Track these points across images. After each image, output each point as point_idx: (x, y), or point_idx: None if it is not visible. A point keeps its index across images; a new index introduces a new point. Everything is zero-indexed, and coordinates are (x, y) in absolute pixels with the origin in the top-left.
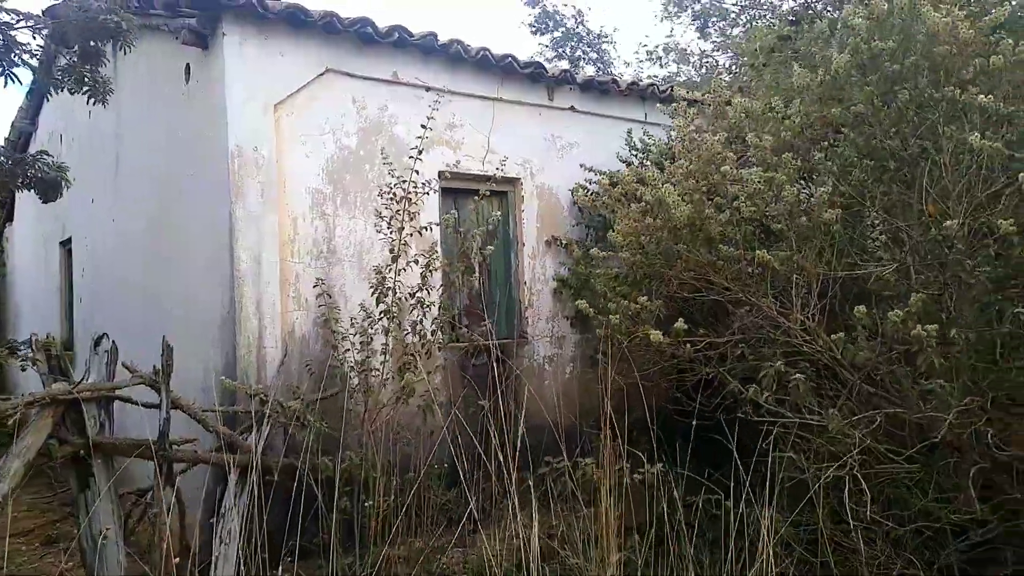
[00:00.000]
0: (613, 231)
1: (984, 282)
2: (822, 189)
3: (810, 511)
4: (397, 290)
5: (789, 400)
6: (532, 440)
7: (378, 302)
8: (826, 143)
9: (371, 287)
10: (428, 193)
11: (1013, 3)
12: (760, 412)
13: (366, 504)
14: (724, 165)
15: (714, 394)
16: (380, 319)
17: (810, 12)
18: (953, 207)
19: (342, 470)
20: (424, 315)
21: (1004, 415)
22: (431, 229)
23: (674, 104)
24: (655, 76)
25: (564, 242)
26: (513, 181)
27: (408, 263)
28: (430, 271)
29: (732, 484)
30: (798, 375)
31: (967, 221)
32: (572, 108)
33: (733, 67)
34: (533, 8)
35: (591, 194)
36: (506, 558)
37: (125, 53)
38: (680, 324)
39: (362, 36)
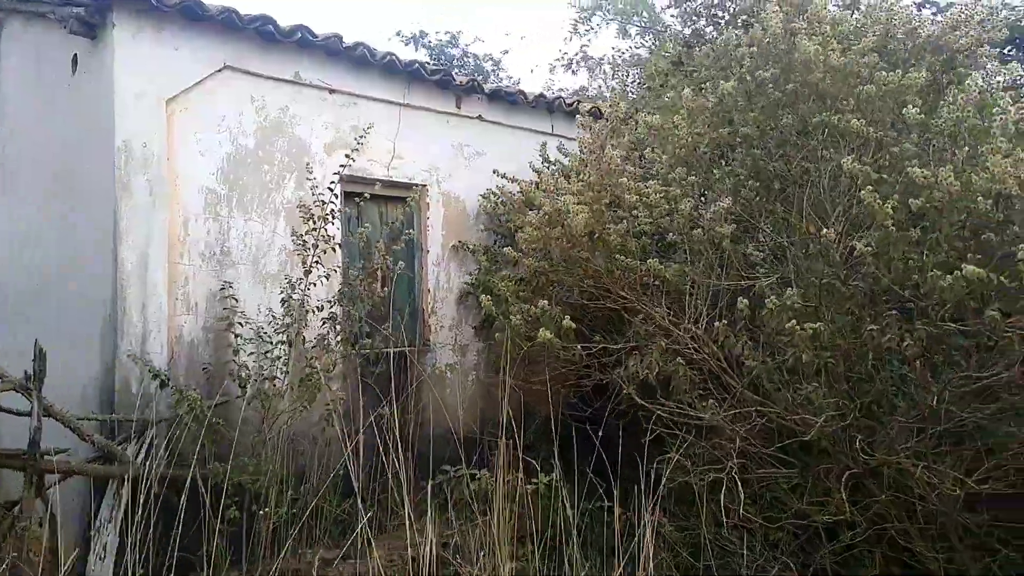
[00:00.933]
0: (516, 239)
1: (857, 295)
2: (718, 204)
3: (699, 515)
4: (306, 303)
5: (673, 400)
6: (433, 448)
7: (286, 313)
8: (723, 161)
9: (281, 296)
10: (337, 216)
11: (878, 34)
12: (636, 404)
13: (257, 513)
14: (622, 177)
15: (610, 400)
16: (287, 329)
17: (699, 38)
18: (832, 226)
19: (232, 479)
20: (332, 329)
21: (874, 423)
22: (336, 250)
23: (579, 117)
24: (564, 90)
25: (471, 248)
26: (419, 187)
27: (320, 278)
28: (347, 286)
29: (615, 489)
30: (679, 359)
31: (843, 240)
32: (480, 117)
33: (639, 81)
34: (416, 48)
35: (499, 197)
36: (400, 569)
37: None
38: (568, 322)
39: (263, 34)
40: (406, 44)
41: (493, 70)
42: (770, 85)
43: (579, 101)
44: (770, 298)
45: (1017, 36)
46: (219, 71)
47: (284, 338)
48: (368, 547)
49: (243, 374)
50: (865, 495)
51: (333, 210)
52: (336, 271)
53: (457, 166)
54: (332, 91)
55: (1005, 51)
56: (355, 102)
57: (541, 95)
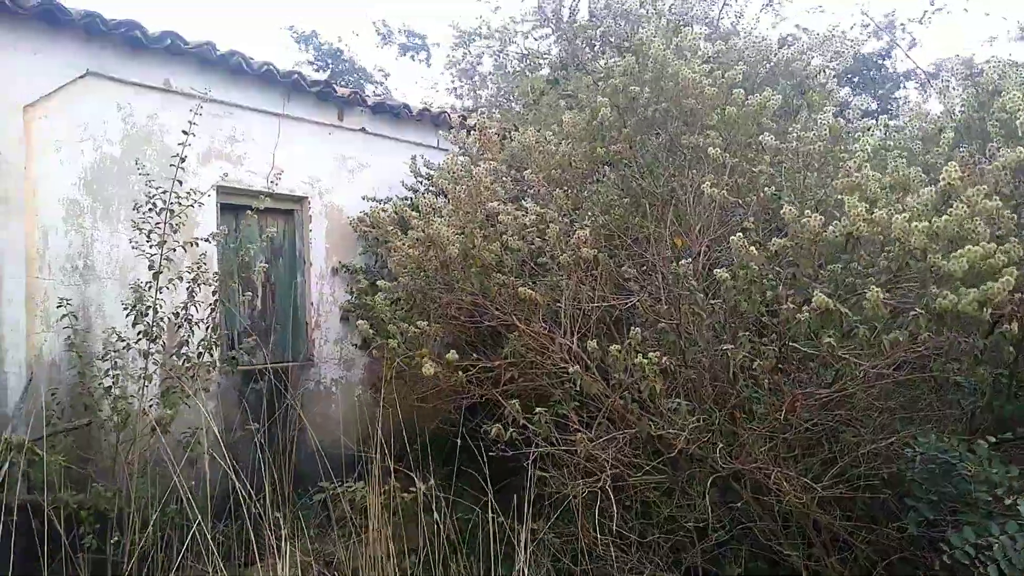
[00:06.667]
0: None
1: (718, 311)
2: (582, 231)
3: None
4: (159, 309)
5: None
6: (319, 465)
7: (135, 323)
8: (596, 178)
9: (124, 307)
10: (193, 205)
11: (744, 68)
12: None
13: (113, 541)
14: (492, 200)
15: (491, 414)
16: (138, 341)
17: (576, 59)
18: (696, 242)
19: (89, 506)
20: (191, 335)
21: (738, 429)
22: (199, 243)
23: (451, 132)
24: (451, 108)
25: (352, 268)
26: (300, 200)
27: (171, 280)
28: (198, 285)
29: (490, 500)
30: (540, 409)
31: (707, 255)
32: (363, 130)
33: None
34: (305, 48)
35: (370, 221)
36: None
37: None
38: (452, 355)
39: (129, 40)
40: (296, 41)
41: (381, 82)
42: (641, 105)
43: (464, 116)
44: (614, 345)
45: (861, 67)
46: (82, 77)
47: (136, 351)
48: (249, 569)
49: (98, 394)
50: (733, 497)
51: (179, 199)
52: (192, 270)
53: (340, 179)
54: (206, 100)
55: (852, 80)
56: (231, 112)
57: (426, 109)
